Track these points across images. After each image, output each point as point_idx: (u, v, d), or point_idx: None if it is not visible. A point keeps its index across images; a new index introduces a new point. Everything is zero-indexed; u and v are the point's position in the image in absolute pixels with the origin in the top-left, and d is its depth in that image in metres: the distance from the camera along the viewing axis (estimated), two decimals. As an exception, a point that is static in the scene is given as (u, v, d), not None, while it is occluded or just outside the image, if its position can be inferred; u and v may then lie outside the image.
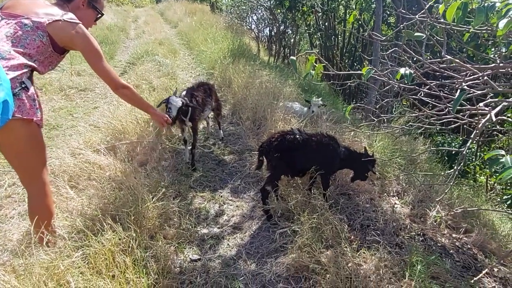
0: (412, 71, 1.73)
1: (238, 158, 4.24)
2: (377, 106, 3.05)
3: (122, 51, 10.85)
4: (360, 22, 11.21)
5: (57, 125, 5.33)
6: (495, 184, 7.53)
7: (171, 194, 3.36)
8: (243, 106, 5.46)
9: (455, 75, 2.51)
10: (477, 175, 8.98)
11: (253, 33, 12.05)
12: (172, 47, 10.01)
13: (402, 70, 1.74)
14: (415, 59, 2.66)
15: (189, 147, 4.01)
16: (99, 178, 3.40)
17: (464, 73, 2.54)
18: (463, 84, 2.31)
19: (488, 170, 7.74)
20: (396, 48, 2.33)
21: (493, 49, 5.37)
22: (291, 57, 2.15)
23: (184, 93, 3.89)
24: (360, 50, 12.19)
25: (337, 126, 4.62)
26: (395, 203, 3.52)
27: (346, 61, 12.52)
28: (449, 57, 2.48)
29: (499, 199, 5.97)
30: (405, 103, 9.96)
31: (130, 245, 2.33)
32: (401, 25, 2.30)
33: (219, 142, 4.69)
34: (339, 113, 5.73)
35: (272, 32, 11.80)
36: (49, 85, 6.93)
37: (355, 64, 12.49)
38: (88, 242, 2.26)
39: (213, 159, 4.27)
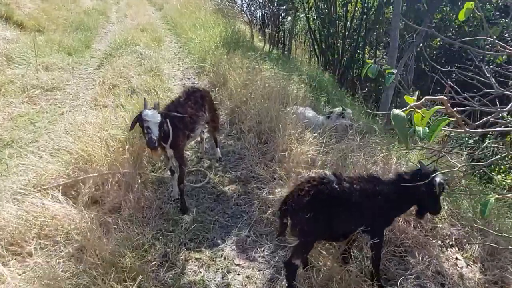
0: None
1: (242, 190, 3.27)
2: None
3: (101, 37, 9.60)
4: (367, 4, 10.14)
5: (12, 141, 4.25)
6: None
7: (155, 260, 2.40)
8: (243, 112, 4.46)
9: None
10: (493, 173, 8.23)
11: (245, 16, 10.84)
12: (157, 35, 8.81)
13: None
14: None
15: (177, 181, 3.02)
16: (53, 236, 2.44)
17: None
18: None
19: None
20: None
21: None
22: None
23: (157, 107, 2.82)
24: (362, 35, 11.15)
25: (365, 143, 3.64)
26: (457, 259, 2.63)
27: (347, 47, 11.46)
28: None
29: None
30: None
31: None
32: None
33: (216, 164, 3.71)
34: (361, 120, 4.78)
35: (266, 15, 10.62)
36: (9, 83, 5.78)
37: (358, 50, 11.48)
38: None
39: (210, 191, 3.29)
